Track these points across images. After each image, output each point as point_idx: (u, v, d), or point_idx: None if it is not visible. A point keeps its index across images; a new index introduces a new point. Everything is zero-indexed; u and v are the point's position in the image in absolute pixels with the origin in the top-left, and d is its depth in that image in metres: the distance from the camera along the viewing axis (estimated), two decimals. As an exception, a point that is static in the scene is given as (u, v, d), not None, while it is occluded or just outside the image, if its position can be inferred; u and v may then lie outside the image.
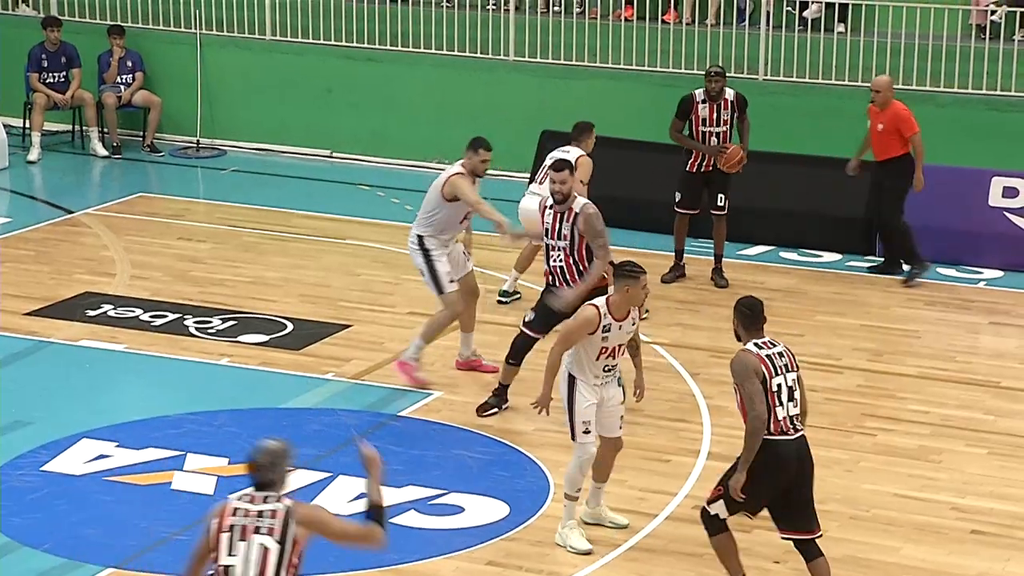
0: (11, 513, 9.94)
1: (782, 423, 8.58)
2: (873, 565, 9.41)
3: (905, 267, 14.80)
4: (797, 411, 8.68)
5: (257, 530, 6.79)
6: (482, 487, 10.37)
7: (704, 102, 14.52)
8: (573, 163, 11.78)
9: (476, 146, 11.92)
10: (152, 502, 10.14)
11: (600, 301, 9.54)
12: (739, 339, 8.80)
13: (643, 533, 9.79)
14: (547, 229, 11.24)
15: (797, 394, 8.68)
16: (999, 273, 14.99)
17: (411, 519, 9.96)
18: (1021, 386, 12.25)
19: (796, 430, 8.65)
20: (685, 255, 14.76)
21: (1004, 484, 10.47)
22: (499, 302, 13.87)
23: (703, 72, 15.06)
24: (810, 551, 8.81)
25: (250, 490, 6.98)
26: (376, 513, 7.03)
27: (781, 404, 8.57)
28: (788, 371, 8.64)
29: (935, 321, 13.85)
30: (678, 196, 14.70)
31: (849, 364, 12.66)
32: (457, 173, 11.91)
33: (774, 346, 8.70)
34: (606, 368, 9.57)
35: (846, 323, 13.68)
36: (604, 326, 9.42)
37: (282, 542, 6.77)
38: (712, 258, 14.70)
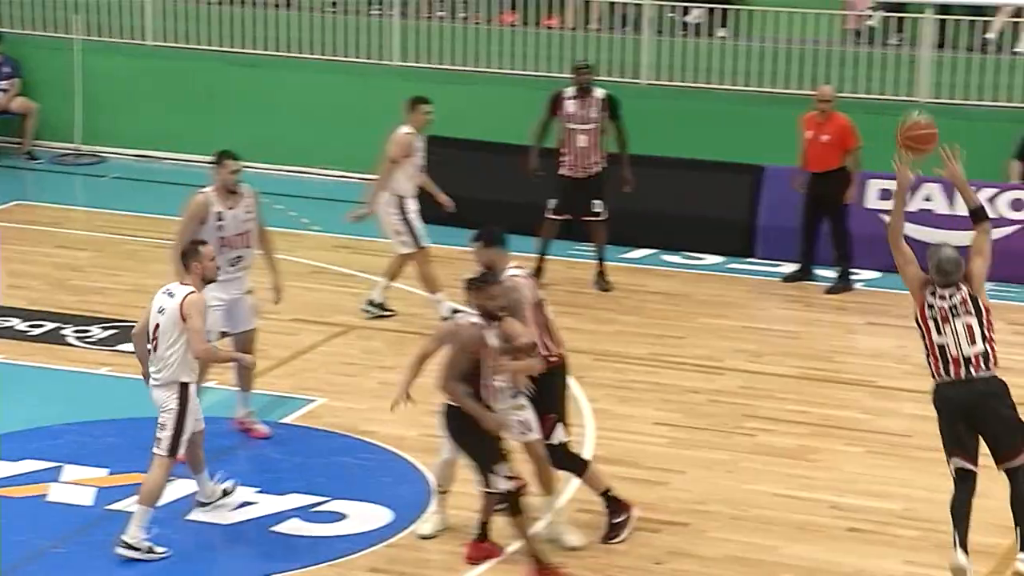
0: None
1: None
2: (753, 564, 9.51)
3: (824, 274, 14.96)
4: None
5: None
6: (365, 493, 10.34)
7: (573, 98, 14.55)
8: None
9: (221, 158, 11.14)
10: (26, 515, 9.99)
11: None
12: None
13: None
14: None
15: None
16: (876, 274, 15.22)
17: (293, 527, 9.90)
18: (897, 385, 12.45)
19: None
20: (552, 259, 14.78)
21: (880, 482, 10.62)
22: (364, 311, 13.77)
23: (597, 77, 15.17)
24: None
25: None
26: None
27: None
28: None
29: (814, 322, 14.04)
30: (553, 202, 14.71)
31: (730, 365, 12.79)
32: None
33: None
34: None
35: (727, 325, 13.82)
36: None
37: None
38: (596, 262, 14.78)
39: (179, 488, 10.24)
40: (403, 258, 13.72)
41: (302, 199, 17.64)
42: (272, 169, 18.58)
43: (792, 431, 11.49)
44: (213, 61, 19.02)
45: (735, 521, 10.07)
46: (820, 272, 15.10)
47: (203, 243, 9.84)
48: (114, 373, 12.45)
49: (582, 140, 14.49)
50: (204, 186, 11.14)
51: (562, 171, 14.65)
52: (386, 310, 13.84)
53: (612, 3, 17.99)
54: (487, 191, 16.34)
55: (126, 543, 9.34)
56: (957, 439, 8.97)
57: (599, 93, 14.60)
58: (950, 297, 9.07)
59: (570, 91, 14.62)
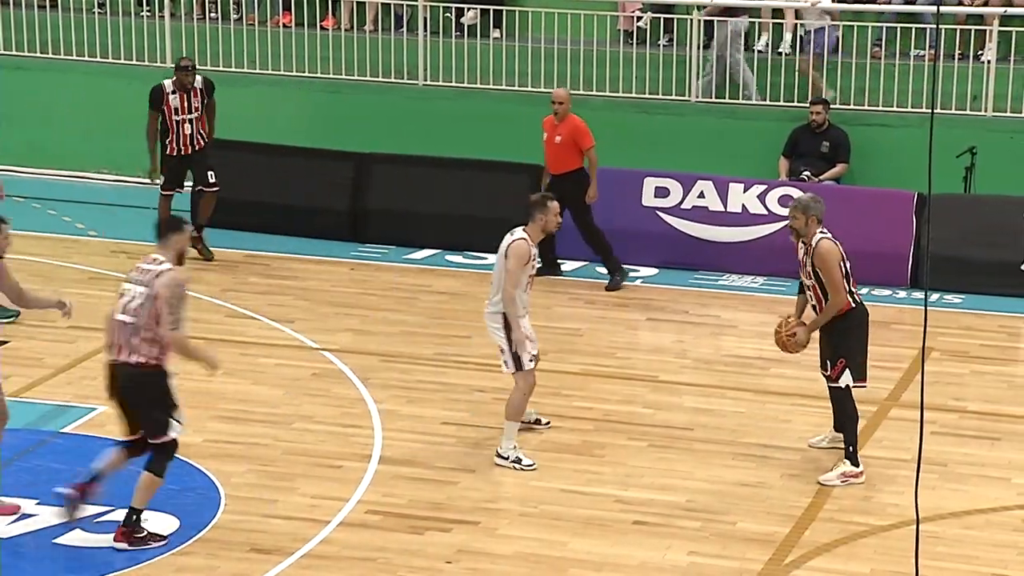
0: None
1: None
2: (542, 560, 9.62)
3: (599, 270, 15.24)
4: None
5: None
6: (151, 501, 10.15)
7: (175, 92, 15.05)
8: None
9: None
10: None
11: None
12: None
13: (316, 540, 9.77)
14: None
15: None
16: (654, 271, 15.54)
17: (76, 538, 9.71)
18: (676, 379, 12.73)
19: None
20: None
21: (664, 475, 10.84)
22: None
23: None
24: None
25: None
26: None
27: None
28: None
29: (596, 319, 14.26)
30: (163, 179, 15.30)
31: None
32: None
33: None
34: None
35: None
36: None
37: None
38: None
39: (-43, 503, 9.98)
40: None
41: (77, 204, 17.27)
42: (45, 174, 18.16)
43: (578, 427, 11.65)
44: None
45: (524, 518, 10.17)
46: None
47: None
48: None
49: (187, 128, 15.27)
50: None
51: (170, 152, 15.39)
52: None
53: (387, 4, 18.01)
54: (262, 193, 16.29)
55: None
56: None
57: (199, 82, 15.33)
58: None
59: (169, 84, 15.29)
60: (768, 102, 16.86)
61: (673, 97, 17.11)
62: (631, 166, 16.05)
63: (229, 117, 16.81)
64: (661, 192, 15.83)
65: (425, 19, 17.74)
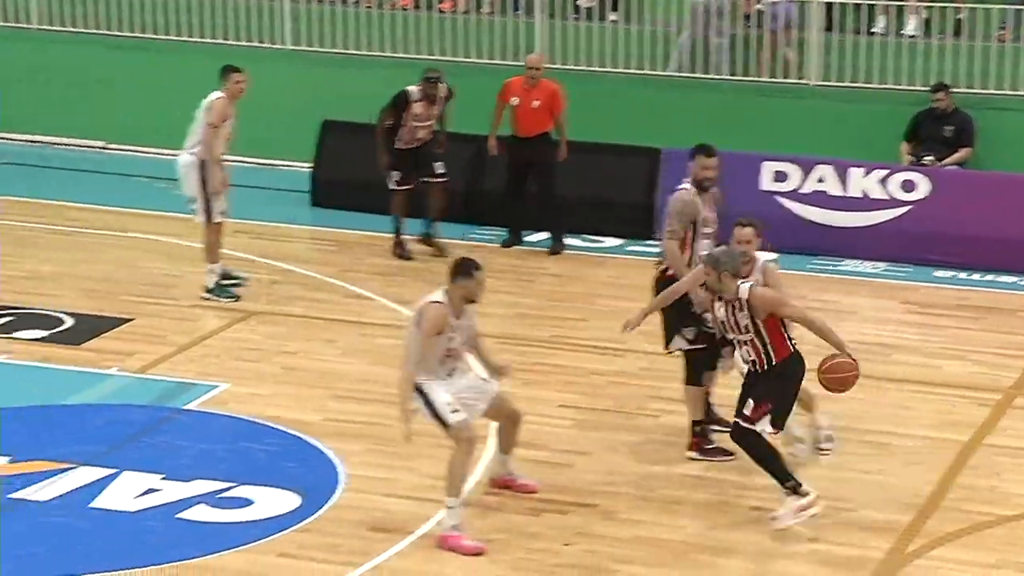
0: None
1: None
2: (661, 544, 9.55)
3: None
4: None
5: None
6: (272, 479, 10.29)
7: (420, 100, 14.99)
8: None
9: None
10: (-72, 504, 9.85)
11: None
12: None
13: (434, 520, 9.79)
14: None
15: None
16: (772, 256, 15.37)
17: (200, 513, 9.84)
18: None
19: None
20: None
21: (783, 460, 10.73)
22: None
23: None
24: None
25: None
26: None
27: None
28: None
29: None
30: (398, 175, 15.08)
31: (632, 347, 12.85)
32: None
33: None
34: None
35: (628, 307, 13.80)
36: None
37: None
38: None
39: (81, 476, 10.16)
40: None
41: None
42: (165, 153, 18.33)
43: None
44: (101, 45, 18.77)
45: (643, 501, 10.14)
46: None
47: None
48: (11, 361, 12.28)
49: (421, 134, 15.09)
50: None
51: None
52: (234, 278, 13.77)
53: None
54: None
55: None
56: None
57: (442, 91, 15.12)
58: None
59: (416, 91, 15.05)
60: (890, 85, 16.65)
61: (791, 80, 16.97)
62: (748, 149, 15.93)
63: (348, 98, 16.96)
64: (780, 176, 15.70)
65: (543, 1, 17.72)
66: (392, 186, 15.09)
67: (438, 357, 9.50)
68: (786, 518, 9.57)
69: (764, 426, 9.59)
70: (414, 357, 9.40)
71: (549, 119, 15.33)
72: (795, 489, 9.58)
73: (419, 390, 9.47)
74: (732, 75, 17.03)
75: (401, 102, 15.02)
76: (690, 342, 10.59)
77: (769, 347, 9.59)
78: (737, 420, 9.68)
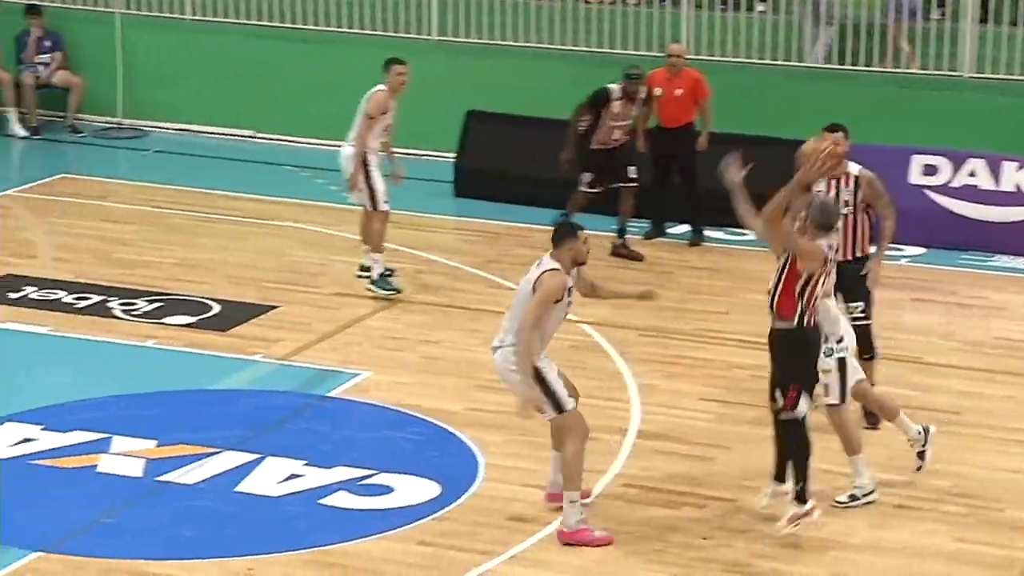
0: (-64, 498, 9.83)
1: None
2: (801, 540, 9.45)
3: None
4: None
5: None
6: (412, 467, 10.36)
7: (620, 99, 14.72)
8: None
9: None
10: (78, 485, 10.06)
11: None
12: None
13: (574, 511, 9.81)
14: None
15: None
16: (920, 250, 15.15)
17: (341, 500, 9.93)
18: (942, 361, 12.42)
19: None
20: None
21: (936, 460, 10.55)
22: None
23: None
24: None
25: None
26: None
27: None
28: None
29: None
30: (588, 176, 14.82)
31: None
32: None
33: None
34: None
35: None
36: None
37: None
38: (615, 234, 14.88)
39: (226, 460, 10.31)
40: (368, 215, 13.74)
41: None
42: (312, 143, 18.55)
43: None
44: (252, 36, 19.02)
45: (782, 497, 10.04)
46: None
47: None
48: (160, 346, 12.50)
49: (617, 135, 14.77)
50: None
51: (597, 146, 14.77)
52: (386, 271, 13.82)
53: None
54: (526, 166, 16.36)
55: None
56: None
57: (642, 92, 14.85)
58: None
59: (617, 90, 14.72)
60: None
61: (944, 72, 16.68)
62: (898, 143, 15.68)
63: (493, 89, 16.99)
64: (929, 170, 15.43)
65: (690, -8, 17.62)
66: (583, 188, 14.78)
67: (550, 331, 9.31)
68: (784, 527, 9.37)
69: (802, 408, 9.32)
70: (533, 329, 9.13)
71: (693, 108, 15.22)
72: (800, 496, 9.39)
73: (535, 369, 9.23)
74: (882, 67, 16.78)
75: (601, 100, 14.67)
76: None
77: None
78: (777, 417, 9.44)
